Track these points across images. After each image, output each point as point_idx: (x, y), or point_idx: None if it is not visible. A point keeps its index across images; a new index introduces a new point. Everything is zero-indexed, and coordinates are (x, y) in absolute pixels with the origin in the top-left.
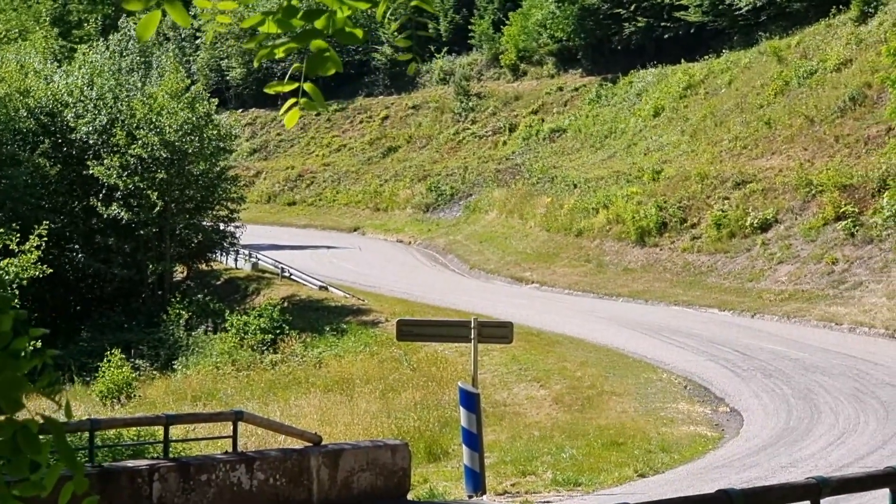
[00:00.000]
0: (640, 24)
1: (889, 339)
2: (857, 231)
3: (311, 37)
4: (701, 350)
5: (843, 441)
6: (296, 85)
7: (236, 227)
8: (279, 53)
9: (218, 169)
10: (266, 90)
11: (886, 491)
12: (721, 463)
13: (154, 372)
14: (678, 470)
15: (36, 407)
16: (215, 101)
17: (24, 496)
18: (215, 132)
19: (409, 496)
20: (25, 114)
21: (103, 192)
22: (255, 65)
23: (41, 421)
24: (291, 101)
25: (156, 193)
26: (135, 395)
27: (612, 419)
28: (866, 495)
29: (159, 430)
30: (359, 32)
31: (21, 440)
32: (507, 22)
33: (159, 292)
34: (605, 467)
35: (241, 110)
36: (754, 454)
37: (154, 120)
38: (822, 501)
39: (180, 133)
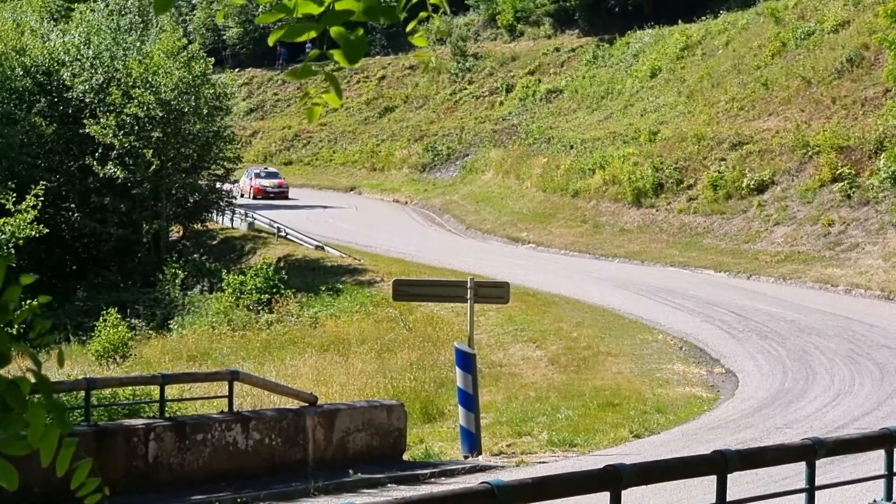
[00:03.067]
0: None
1: (884, 301)
2: (853, 193)
3: (338, 19)
4: (697, 311)
5: (839, 402)
6: (318, 73)
7: (233, 183)
8: (302, 37)
9: (215, 129)
10: (285, 77)
11: (881, 452)
12: (716, 424)
13: (150, 331)
14: (673, 431)
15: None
16: (211, 60)
17: (11, 454)
18: (211, 92)
19: (405, 456)
20: (21, 73)
21: (99, 151)
22: (270, 43)
23: (32, 378)
24: (313, 98)
25: (151, 152)
26: (131, 355)
27: (607, 380)
28: (861, 456)
29: (155, 390)
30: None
31: (10, 397)
32: None
33: (155, 252)
34: (600, 428)
35: (237, 70)
36: (749, 415)
37: (150, 79)
38: (817, 462)
39: (176, 92)
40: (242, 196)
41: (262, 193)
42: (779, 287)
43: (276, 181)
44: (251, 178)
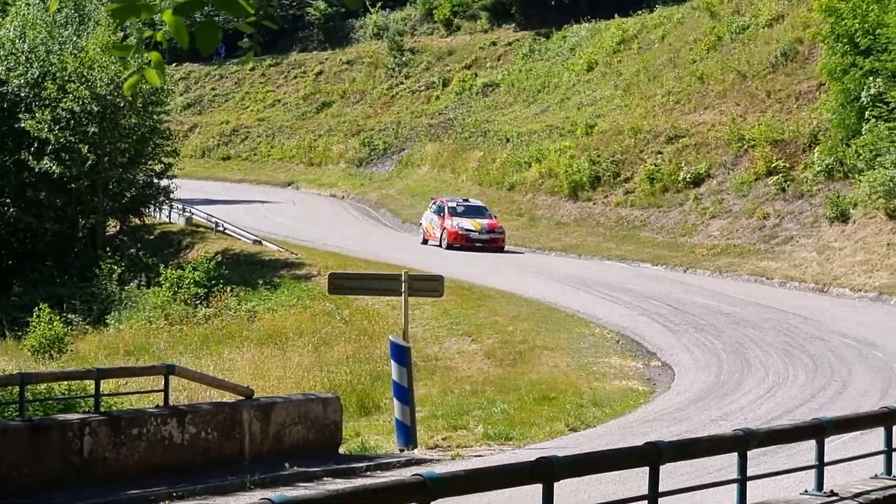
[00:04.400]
0: None
1: (818, 294)
2: (788, 186)
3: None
4: (633, 304)
5: (773, 394)
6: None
7: (170, 178)
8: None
9: (151, 124)
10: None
11: (813, 443)
12: (652, 417)
13: (87, 327)
14: (609, 424)
15: None
16: (150, 55)
17: None
18: (148, 86)
19: (341, 449)
20: None
21: (35, 145)
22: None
23: None
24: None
25: (87, 147)
26: (67, 350)
27: (543, 374)
28: (795, 447)
29: (90, 385)
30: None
31: None
32: None
33: (92, 247)
34: (536, 421)
35: (174, 64)
36: (685, 408)
37: (85, 73)
38: (750, 453)
39: (112, 87)
40: (426, 242)
41: (462, 241)
42: (715, 280)
43: (485, 221)
44: (443, 215)
